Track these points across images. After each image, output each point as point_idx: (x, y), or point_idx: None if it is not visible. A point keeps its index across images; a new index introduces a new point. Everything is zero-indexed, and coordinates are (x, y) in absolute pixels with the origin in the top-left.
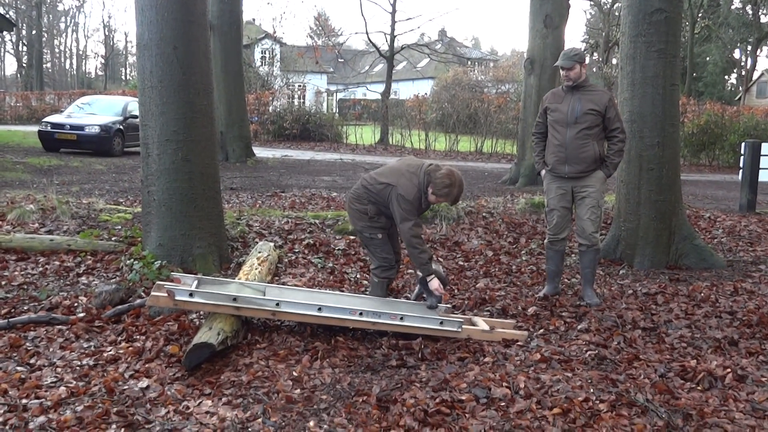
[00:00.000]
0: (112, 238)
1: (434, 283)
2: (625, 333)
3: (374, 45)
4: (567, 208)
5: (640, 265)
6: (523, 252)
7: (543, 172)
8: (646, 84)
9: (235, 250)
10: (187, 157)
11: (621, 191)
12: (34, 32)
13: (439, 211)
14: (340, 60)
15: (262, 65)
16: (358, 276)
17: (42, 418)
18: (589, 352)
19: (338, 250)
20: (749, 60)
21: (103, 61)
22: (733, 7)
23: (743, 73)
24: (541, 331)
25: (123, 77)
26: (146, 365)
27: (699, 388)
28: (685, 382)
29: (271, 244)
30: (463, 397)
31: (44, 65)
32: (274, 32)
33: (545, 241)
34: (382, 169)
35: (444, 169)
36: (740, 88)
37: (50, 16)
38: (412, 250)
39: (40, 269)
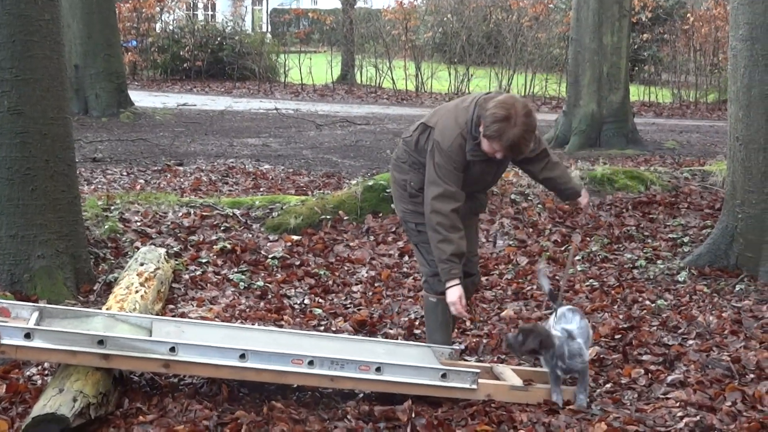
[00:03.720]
0: None
1: (452, 295)
2: (745, 387)
3: None
4: None
5: None
6: (577, 258)
7: None
8: None
9: (101, 260)
10: (18, 108)
11: (736, 155)
12: None
13: None
14: None
15: None
16: (306, 301)
17: None
18: (686, 420)
19: (273, 258)
20: None
21: None
22: None
23: None
24: (608, 386)
25: None
26: None
27: None
28: None
29: (162, 250)
30: None
31: None
32: None
33: None
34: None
35: (503, 96)
36: None
37: None
38: (432, 234)
39: None
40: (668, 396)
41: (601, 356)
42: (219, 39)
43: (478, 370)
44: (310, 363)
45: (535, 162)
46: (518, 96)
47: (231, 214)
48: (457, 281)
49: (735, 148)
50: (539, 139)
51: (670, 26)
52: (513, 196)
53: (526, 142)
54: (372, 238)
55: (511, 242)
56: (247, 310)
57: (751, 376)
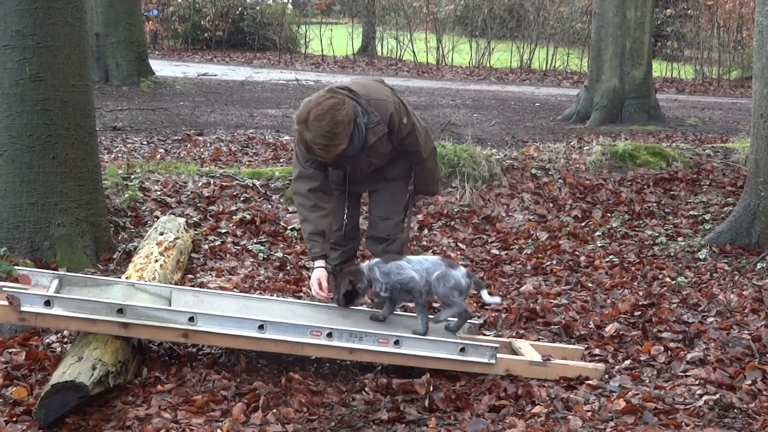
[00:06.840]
0: None
1: (312, 276)
2: (766, 366)
3: None
4: None
5: None
6: (597, 234)
7: None
8: None
9: (121, 229)
10: (40, 75)
11: (760, 132)
12: None
13: (460, 166)
14: None
15: None
16: None
17: None
18: (705, 398)
19: (292, 230)
20: None
21: None
22: None
23: None
24: (628, 362)
25: None
26: None
27: None
28: None
29: (182, 220)
30: None
31: None
32: None
33: None
34: None
35: (317, 94)
36: None
37: None
38: (298, 214)
39: None
40: (688, 374)
41: (621, 333)
42: (240, 9)
43: (497, 345)
44: (329, 335)
45: (409, 155)
46: (335, 92)
47: (251, 185)
48: (320, 262)
49: (759, 125)
50: (417, 141)
51: (693, 2)
52: (533, 171)
53: (323, 146)
54: None
55: (531, 217)
56: (266, 281)
57: None
